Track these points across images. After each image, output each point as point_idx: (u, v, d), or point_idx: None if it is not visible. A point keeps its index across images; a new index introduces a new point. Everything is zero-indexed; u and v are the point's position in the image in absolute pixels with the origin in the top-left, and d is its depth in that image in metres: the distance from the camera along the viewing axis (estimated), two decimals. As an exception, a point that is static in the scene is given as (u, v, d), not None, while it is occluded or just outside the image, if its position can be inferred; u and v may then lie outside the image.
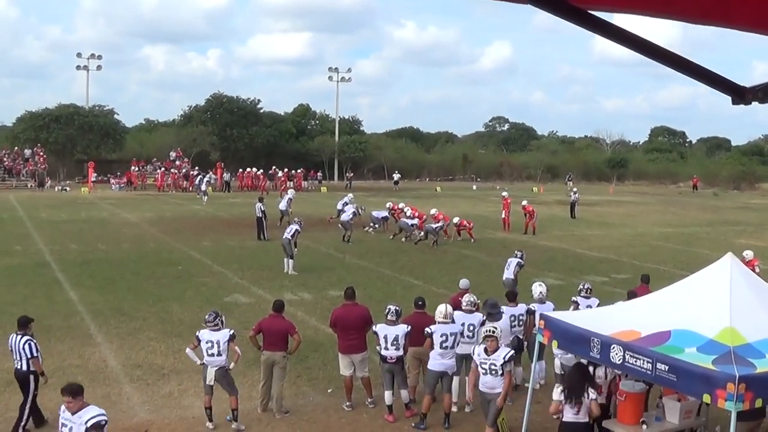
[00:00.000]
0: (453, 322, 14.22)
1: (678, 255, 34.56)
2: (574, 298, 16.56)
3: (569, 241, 38.87)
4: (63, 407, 10.04)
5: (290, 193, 46.03)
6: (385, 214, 42.03)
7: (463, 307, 14.96)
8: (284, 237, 28.64)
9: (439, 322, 13.94)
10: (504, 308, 15.29)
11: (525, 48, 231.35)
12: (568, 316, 12.51)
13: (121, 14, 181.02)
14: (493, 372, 12.33)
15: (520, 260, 23.61)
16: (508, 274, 23.17)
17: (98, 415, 9.81)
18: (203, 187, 64.32)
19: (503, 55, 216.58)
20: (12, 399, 14.23)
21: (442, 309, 14.10)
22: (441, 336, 13.76)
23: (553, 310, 14.65)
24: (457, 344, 13.87)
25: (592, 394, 11.40)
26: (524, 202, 43.64)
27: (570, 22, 1.77)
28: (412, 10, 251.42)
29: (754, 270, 19.06)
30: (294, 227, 28.92)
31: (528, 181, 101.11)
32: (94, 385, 15.17)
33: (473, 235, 38.25)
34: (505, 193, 46.04)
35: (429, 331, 13.88)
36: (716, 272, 11.43)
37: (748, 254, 24.65)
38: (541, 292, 16.12)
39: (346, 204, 41.94)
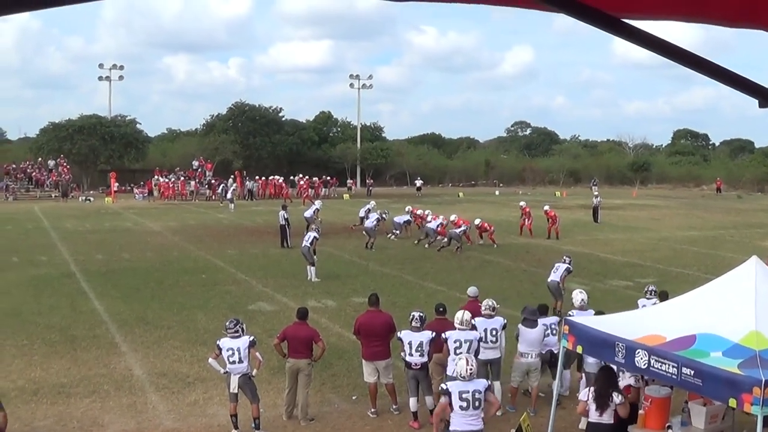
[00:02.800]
0: (474, 329, 14.26)
1: (702, 258, 34.40)
2: (640, 301, 16.86)
3: (593, 246, 38.74)
4: None
5: (317, 203, 46.10)
6: (407, 218, 42.07)
7: (483, 312, 14.95)
8: (303, 245, 28.66)
9: (456, 329, 14.01)
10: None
11: (545, 52, 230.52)
12: (592, 321, 12.47)
13: (142, 25, 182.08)
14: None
15: (569, 266, 23.21)
16: (555, 277, 22.91)
17: None
18: (229, 195, 64.59)
19: (524, 59, 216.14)
20: (38, 408, 14.33)
21: (459, 316, 14.17)
22: (454, 342, 13.81)
23: None
24: (474, 350, 13.84)
25: (617, 398, 11.41)
26: (546, 207, 43.63)
27: (603, 30, 1.78)
28: (432, 16, 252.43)
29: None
30: (312, 234, 28.95)
31: (551, 185, 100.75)
32: (119, 394, 15.25)
33: (495, 239, 38.15)
34: (522, 203, 45.34)
35: (444, 336, 13.99)
36: (741, 275, 11.37)
37: (774, 257, 24.52)
38: (582, 300, 15.85)
39: (369, 211, 42.07)
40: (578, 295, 15.99)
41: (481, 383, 11.29)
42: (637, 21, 1.84)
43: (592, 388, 11.76)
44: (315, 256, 28.47)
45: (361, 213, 43.04)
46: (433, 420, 12.06)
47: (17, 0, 1.51)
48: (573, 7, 1.71)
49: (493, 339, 14.65)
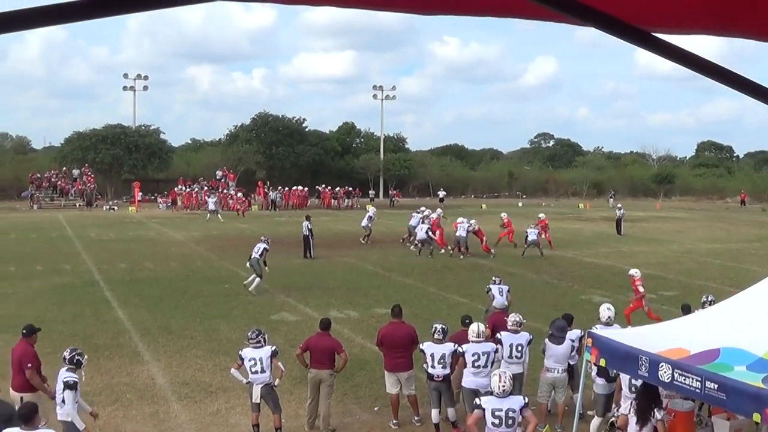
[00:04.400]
0: (500, 343, 14.25)
1: (726, 271, 34.20)
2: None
3: (616, 258, 38.56)
4: None
5: (371, 210, 46.75)
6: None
7: (509, 327, 14.88)
8: (252, 257, 28.31)
9: (471, 341, 13.96)
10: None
11: (569, 63, 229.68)
12: (615, 334, 12.42)
13: (166, 35, 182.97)
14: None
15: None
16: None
17: None
18: (212, 207, 62.86)
19: (547, 70, 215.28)
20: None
21: (474, 328, 14.09)
22: (473, 355, 13.77)
23: None
24: (491, 362, 13.81)
25: (658, 414, 11.37)
26: (541, 215, 44.08)
27: (634, 44, 1.78)
28: (455, 27, 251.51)
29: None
30: (262, 246, 28.70)
31: (574, 197, 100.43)
32: (142, 403, 15.30)
33: (488, 247, 38.94)
34: (541, 215, 45.43)
35: (461, 350, 13.94)
36: (766, 289, 11.31)
37: (799, 271, 24.34)
38: (609, 317, 15.44)
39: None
40: (606, 311, 15.59)
41: (517, 401, 11.23)
42: (667, 35, 1.84)
43: (633, 403, 11.74)
44: (265, 268, 28.45)
45: (413, 222, 42.84)
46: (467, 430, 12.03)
47: (34, 17, 1.53)
48: (604, 21, 1.71)
49: (518, 355, 14.58)
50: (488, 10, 1.92)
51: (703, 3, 1.85)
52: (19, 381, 13.12)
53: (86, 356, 13.18)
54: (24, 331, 13.66)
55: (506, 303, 18.20)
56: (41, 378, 13.27)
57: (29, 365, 12.97)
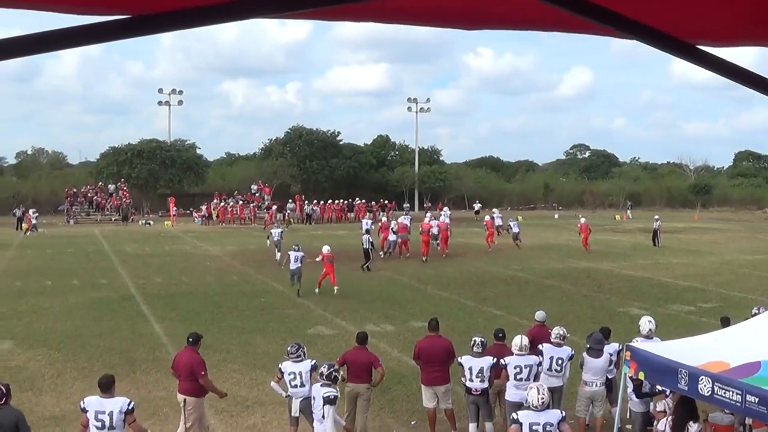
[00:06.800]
0: (541, 355, 14.19)
1: (766, 283, 33.89)
2: None
3: (654, 270, 38.33)
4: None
5: (405, 218, 47.85)
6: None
7: (552, 340, 14.81)
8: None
9: (515, 354, 13.94)
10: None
11: (604, 73, 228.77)
12: (654, 347, 12.34)
13: (200, 50, 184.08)
14: None
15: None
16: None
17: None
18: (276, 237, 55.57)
19: (582, 81, 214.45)
20: None
21: (517, 341, 14.05)
22: (515, 368, 13.76)
23: None
24: (536, 376, 13.76)
25: (693, 427, 11.29)
26: (582, 219, 47.56)
27: (678, 57, 1.77)
28: (488, 38, 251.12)
29: None
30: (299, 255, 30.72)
31: (610, 208, 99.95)
32: (178, 417, 15.33)
33: (446, 248, 43.50)
34: (582, 219, 47.53)
35: (504, 362, 13.93)
36: (808, 301, 11.21)
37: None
38: (650, 330, 15.12)
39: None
40: (647, 324, 15.26)
41: (554, 415, 11.15)
42: (710, 47, 1.83)
43: (670, 417, 11.66)
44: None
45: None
46: None
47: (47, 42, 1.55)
48: (650, 35, 1.71)
49: (558, 368, 14.52)
50: (531, 23, 1.92)
51: (749, 16, 1.84)
52: (186, 385, 13.92)
53: (342, 372, 13.76)
54: (190, 339, 14.27)
55: (545, 317, 17.98)
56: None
57: (202, 373, 13.79)
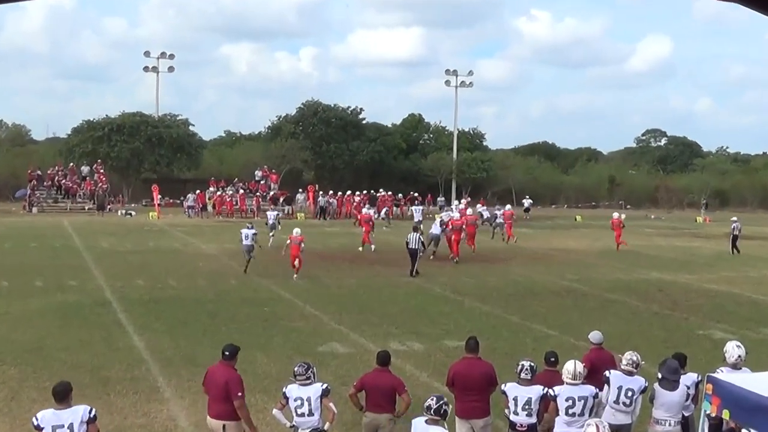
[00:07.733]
0: (607, 383, 13.98)
1: None
2: None
3: (742, 284, 38.07)
4: None
5: (445, 216, 48.66)
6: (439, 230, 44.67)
7: (623, 366, 14.55)
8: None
9: (566, 383, 13.72)
10: None
11: (686, 43, 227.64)
12: (743, 379, 12.18)
13: (196, 5, 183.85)
14: None
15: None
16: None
17: None
18: (271, 220, 52.21)
19: (659, 52, 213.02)
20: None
21: (570, 367, 13.76)
22: (566, 400, 13.46)
23: None
24: (592, 411, 13.57)
25: None
26: (615, 215, 51.00)
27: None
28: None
29: None
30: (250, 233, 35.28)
31: (689, 209, 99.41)
32: (161, 450, 15.34)
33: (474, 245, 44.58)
34: (615, 214, 51.18)
35: (553, 393, 13.61)
36: None
37: None
38: (740, 356, 14.73)
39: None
40: (734, 350, 14.84)
41: None
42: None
43: None
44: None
45: (436, 229, 45.37)
46: None
47: None
48: None
49: (627, 402, 14.12)
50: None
51: None
52: (222, 408, 13.63)
53: (451, 406, 13.26)
54: (226, 353, 14.09)
55: (602, 338, 17.80)
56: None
57: (239, 394, 13.52)
